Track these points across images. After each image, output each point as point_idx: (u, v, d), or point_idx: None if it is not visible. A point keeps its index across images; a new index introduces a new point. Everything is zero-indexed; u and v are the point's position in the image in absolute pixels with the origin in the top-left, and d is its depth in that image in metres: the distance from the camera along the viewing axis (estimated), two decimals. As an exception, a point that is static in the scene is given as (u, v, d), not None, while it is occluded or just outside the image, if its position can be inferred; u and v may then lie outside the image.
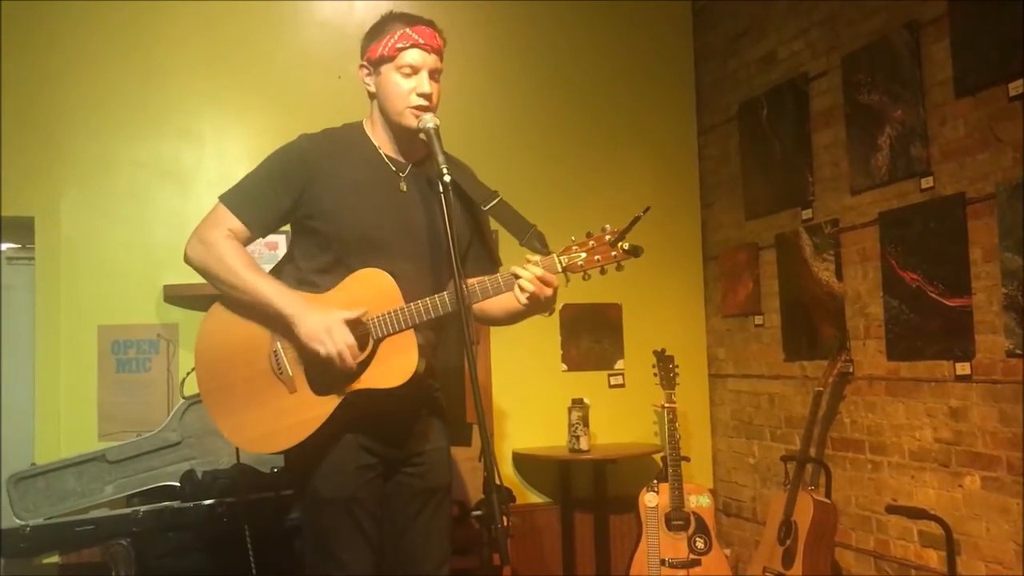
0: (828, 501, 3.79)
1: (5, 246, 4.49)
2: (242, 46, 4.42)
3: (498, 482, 2.02)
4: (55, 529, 3.53)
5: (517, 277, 2.17)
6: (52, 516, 3.62)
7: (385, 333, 2.21)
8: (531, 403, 4.63)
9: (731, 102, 4.75)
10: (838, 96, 3.95)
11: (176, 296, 4.01)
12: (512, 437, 4.61)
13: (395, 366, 2.21)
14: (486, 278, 2.24)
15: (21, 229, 4.20)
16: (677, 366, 4.27)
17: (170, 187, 4.28)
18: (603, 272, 2.20)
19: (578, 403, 4.40)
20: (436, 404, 2.47)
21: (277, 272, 2.37)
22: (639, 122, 4.96)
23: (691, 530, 4.08)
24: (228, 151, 4.34)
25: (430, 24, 2.33)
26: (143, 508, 3.51)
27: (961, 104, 3.32)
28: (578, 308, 4.73)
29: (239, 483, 3.49)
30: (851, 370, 3.86)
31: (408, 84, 2.28)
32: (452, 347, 2.62)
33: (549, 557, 4.56)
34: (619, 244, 2.16)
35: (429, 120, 2.26)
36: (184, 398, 3.82)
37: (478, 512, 3.81)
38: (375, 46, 2.31)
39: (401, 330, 2.21)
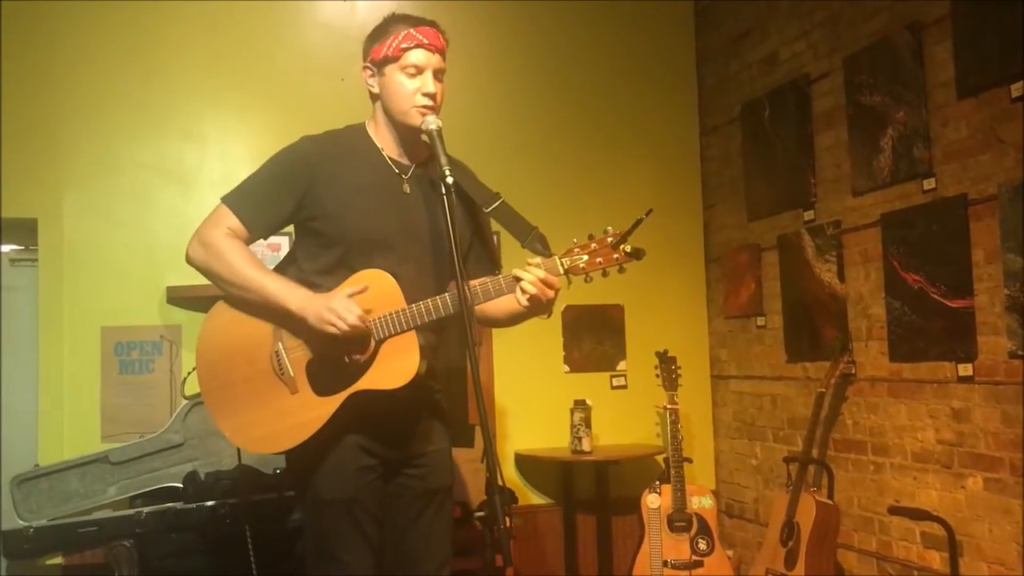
0: (830, 502, 3.78)
1: (8, 248, 4.49)
2: (244, 47, 4.42)
3: (500, 483, 2.02)
4: (58, 530, 3.54)
5: (519, 279, 2.17)
6: (55, 517, 3.63)
7: (387, 334, 2.22)
8: (533, 404, 4.63)
9: (733, 103, 4.75)
10: (840, 97, 3.95)
11: (179, 297, 4.02)
12: (514, 438, 4.61)
13: (396, 367, 2.21)
14: (488, 279, 2.24)
15: (24, 231, 4.21)
16: (679, 367, 4.27)
17: (173, 188, 4.29)
18: (605, 274, 2.20)
19: (580, 404, 4.40)
20: (437, 406, 2.47)
21: (280, 272, 2.37)
22: (641, 123, 4.96)
23: (693, 531, 4.07)
24: (231, 152, 4.35)
25: (433, 25, 2.34)
26: (146, 509, 3.51)
27: (963, 105, 3.32)
28: (580, 309, 4.73)
29: (241, 484, 3.49)
30: (853, 371, 3.86)
31: (413, 84, 2.29)
32: (454, 348, 2.62)
33: (551, 558, 4.56)
34: (621, 246, 2.16)
35: (432, 122, 2.27)
36: (185, 398, 3.83)
37: (480, 513, 3.81)
38: (379, 47, 2.32)
39: (403, 331, 2.21)
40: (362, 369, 2.22)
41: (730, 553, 4.43)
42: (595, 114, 4.88)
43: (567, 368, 4.74)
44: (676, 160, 5.02)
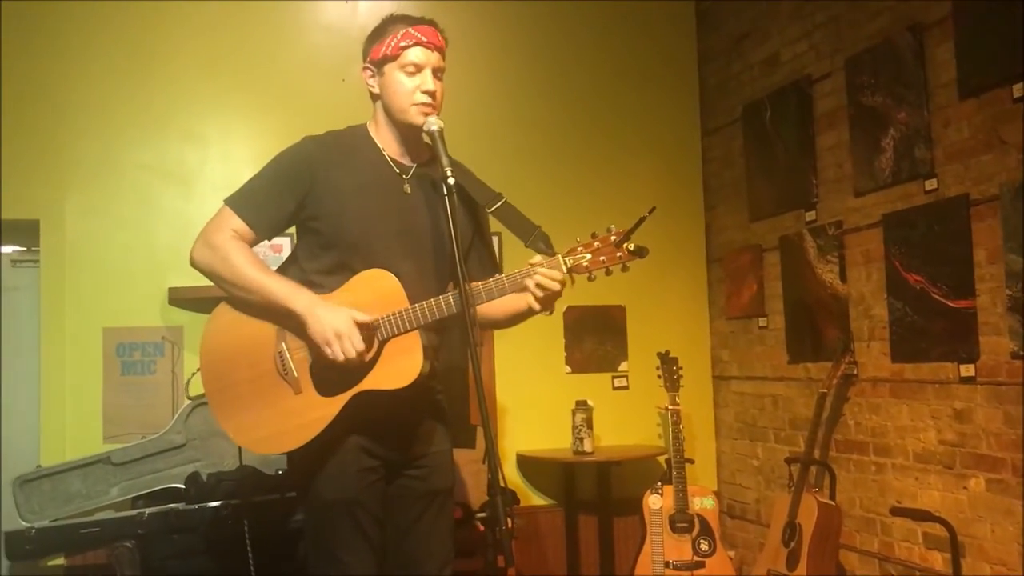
0: (832, 503, 3.78)
1: (10, 249, 4.50)
2: (246, 49, 4.43)
3: (502, 484, 2.02)
4: (60, 531, 3.54)
5: (534, 278, 2.16)
6: (57, 518, 3.63)
7: (390, 334, 2.22)
8: (535, 405, 4.63)
9: (735, 104, 4.75)
10: (842, 98, 3.95)
11: (181, 298, 4.02)
12: (516, 439, 4.61)
13: (400, 367, 2.21)
14: (491, 280, 2.24)
15: (26, 232, 4.21)
16: (681, 368, 4.27)
17: (174, 189, 4.29)
18: (608, 273, 2.19)
19: (582, 405, 4.40)
20: (438, 407, 2.47)
21: (281, 273, 2.38)
22: (643, 124, 4.96)
23: (695, 532, 4.07)
24: (232, 153, 4.35)
25: (432, 23, 2.35)
26: (148, 510, 3.51)
27: (965, 106, 3.32)
28: (582, 310, 4.73)
29: (243, 486, 3.49)
30: (855, 372, 3.86)
31: (412, 82, 2.29)
32: (456, 349, 2.62)
33: (553, 559, 4.56)
34: (624, 245, 2.15)
35: (433, 122, 2.27)
36: (190, 398, 3.83)
37: (482, 514, 3.81)
38: (378, 46, 2.32)
39: (406, 331, 2.22)
40: (366, 369, 2.22)
41: (732, 554, 4.43)
42: (597, 115, 4.88)
43: (569, 369, 4.74)
44: (678, 161, 5.02)
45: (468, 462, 3.87)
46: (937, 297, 3.41)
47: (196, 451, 3.80)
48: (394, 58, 2.29)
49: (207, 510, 3.49)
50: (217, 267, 2.28)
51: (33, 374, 4.14)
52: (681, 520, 4.07)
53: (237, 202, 2.33)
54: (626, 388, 4.80)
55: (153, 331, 4.19)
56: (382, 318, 2.22)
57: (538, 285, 2.16)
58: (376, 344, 2.22)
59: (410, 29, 2.29)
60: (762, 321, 4.53)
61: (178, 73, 4.33)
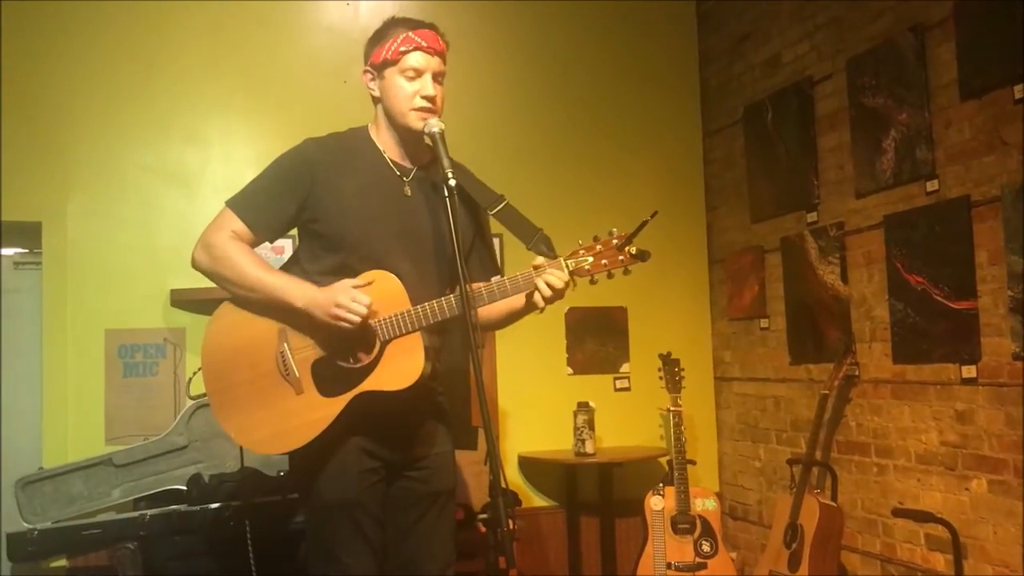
0: (834, 504, 3.78)
1: (12, 251, 4.50)
2: (247, 50, 4.43)
3: (504, 486, 2.03)
4: (62, 533, 3.54)
5: (544, 278, 2.17)
6: (59, 520, 3.63)
7: (392, 335, 2.22)
8: (536, 406, 4.63)
9: (736, 105, 4.75)
10: (843, 99, 3.94)
11: (183, 300, 4.02)
12: (517, 440, 4.61)
13: (401, 368, 2.21)
14: (492, 282, 2.24)
15: (28, 234, 4.22)
16: (683, 369, 4.27)
17: (176, 191, 4.29)
18: (610, 276, 2.20)
19: (583, 406, 4.40)
20: (439, 408, 2.47)
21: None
22: (644, 125, 4.96)
23: (697, 533, 4.07)
24: (234, 155, 4.36)
25: (432, 27, 2.35)
26: (150, 512, 3.51)
27: (966, 107, 3.32)
28: (583, 311, 4.73)
29: (245, 487, 3.49)
30: (857, 373, 3.86)
31: (412, 87, 2.30)
32: (457, 350, 2.62)
33: (555, 560, 4.56)
34: (626, 248, 2.16)
35: (434, 124, 2.28)
36: (191, 398, 3.83)
37: (483, 515, 3.81)
38: (378, 50, 2.33)
39: (408, 332, 2.22)
40: (367, 370, 2.22)
41: (734, 555, 4.43)
42: (598, 116, 4.88)
43: (570, 370, 4.74)
44: (679, 162, 5.02)
45: (470, 463, 3.87)
46: (938, 298, 3.41)
47: (198, 453, 3.81)
48: (394, 63, 2.30)
49: (209, 511, 3.49)
50: (217, 267, 2.29)
51: (35, 376, 4.15)
52: (683, 521, 4.07)
53: (238, 204, 2.34)
54: (628, 389, 4.80)
55: (155, 333, 4.19)
56: (384, 319, 2.22)
57: (547, 284, 2.17)
58: (378, 345, 2.22)
59: (410, 33, 2.30)
60: (764, 322, 4.53)
61: (180, 75, 4.33)
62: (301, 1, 4.52)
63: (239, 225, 2.31)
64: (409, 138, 2.37)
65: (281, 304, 2.25)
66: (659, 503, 4.09)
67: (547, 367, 4.69)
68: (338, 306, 2.17)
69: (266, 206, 2.33)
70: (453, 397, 2.50)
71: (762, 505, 4.57)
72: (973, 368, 3.27)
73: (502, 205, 2.33)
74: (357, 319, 2.17)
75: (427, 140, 2.33)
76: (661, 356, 4.32)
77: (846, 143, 3.93)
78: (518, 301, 2.26)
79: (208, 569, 3.46)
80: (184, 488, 3.67)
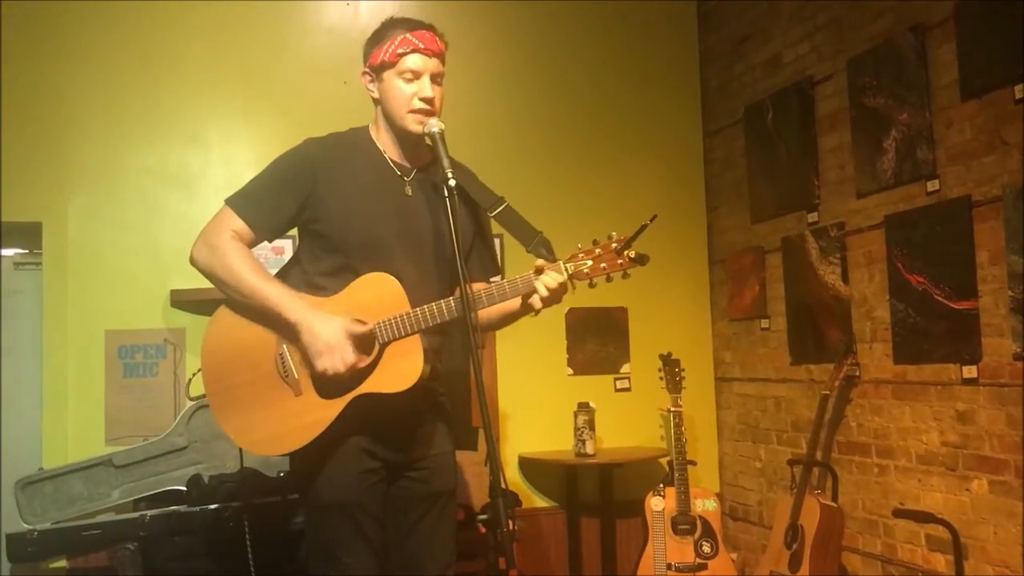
0: (835, 505, 3.78)
1: (12, 251, 4.50)
2: (248, 51, 4.43)
3: (504, 486, 2.02)
4: (62, 533, 3.54)
5: (543, 279, 2.16)
6: (59, 520, 3.63)
7: (390, 338, 2.22)
8: (537, 407, 4.62)
9: (736, 105, 4.75)
10: (844, 99, 3.94)
11: (183, 301, 4.02)
12: (518, 441, 4.60)
13: (400, 371, 2.21)
14: (492, 285, 2.24)
15: (28, 234, 4.22)
16: (683, 370, 4.27)
17: (177, 192, 4.29)
18: (609, 280, 2.20)
19: (584, 407, 4.40)
20: (440, 409, 2.47)
21: (284, 275, 2.38)
22: (644, 125, 4.96)
23: (697, 534, 4.07)
24: (235, 156, 4.35)
25: (431, 28, 2.34)
26: (150, 512, 3.51)
27: (967, 107, 3.31)
28: (584, 312, 4.73)
29: (245, 488, 3.49)
30: (857, 373, 3.85)
31: (410, 89, 2.29)
32: (458, 351, 2.62)
33: (555, 561, 4.56)
34: (625, 252, 2.16)
35: (434, 125, 2.27)
36: (191, 399, 3.83)
37: (484, 516, 3.81)
38: (376, 52, 2.32)
39: (406, 335, 2.22)
40: (366, 372, 2.22)
41: (734, 556, 4.42)
42: (598, 117, 4.88)
43: (571, 371, 4.74)
44: (679, 162, 5.01)
45: (470, 464, 3.87)
46: (939, 298, 3.41)
47: (198, 453, 3.80)
48: (392, 65, 2.29)
49: (209, 512, 3.49)
50: (215, 268, 2.29)
51: (35, 376, 4.15)
52: (683, 522, 4.07)
53: (238, 203, 2.33)
54: (628, 390, 4.80)
55: (155, 333, 4.19)
56: (382, 322, 2.22)
57: (545, 287, 2.17)
58: (376, 347, 2.22)
59: (408, 35, 2.29)
60: (764, 323, 4.52)
61: (181, 76, 4.33)
62: (301, 2, 4.52)
63: (239, 224, 2.31)
64: (409, 139, 2.36)
65: (274, 315, 2.24)
66: (659, 504, 4.09)
67: (547, 367, 4.69)
68: (328, 348, 2.17)
69: (266, 206, 2.33)
70: (454, 398, 2.51)
71: (763, 506, 4.57)
72: (974, 368, 3.27)
73: (502, 207, 2.33)
74: (331, 373, 2.18)
75: (427, 141, 2.33)
76: (661, 356, 4.32)
77: (847, 143, 3.93)
78: (514, 303, 2.26)
79: (208, 570, 3.46)
80: (184, 489, 3.66)
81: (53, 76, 4.19)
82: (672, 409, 4.19)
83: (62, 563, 3.87)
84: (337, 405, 2.23)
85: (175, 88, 4.32)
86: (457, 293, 2.20)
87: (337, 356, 2.17)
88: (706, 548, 4.06)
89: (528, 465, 4.62)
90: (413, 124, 2.29)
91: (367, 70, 2.36)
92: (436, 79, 2.32)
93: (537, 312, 2.24)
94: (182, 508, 3.53)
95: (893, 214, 3.66)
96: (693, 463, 4.21)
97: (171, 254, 4.14)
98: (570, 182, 4.78)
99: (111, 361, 4.13)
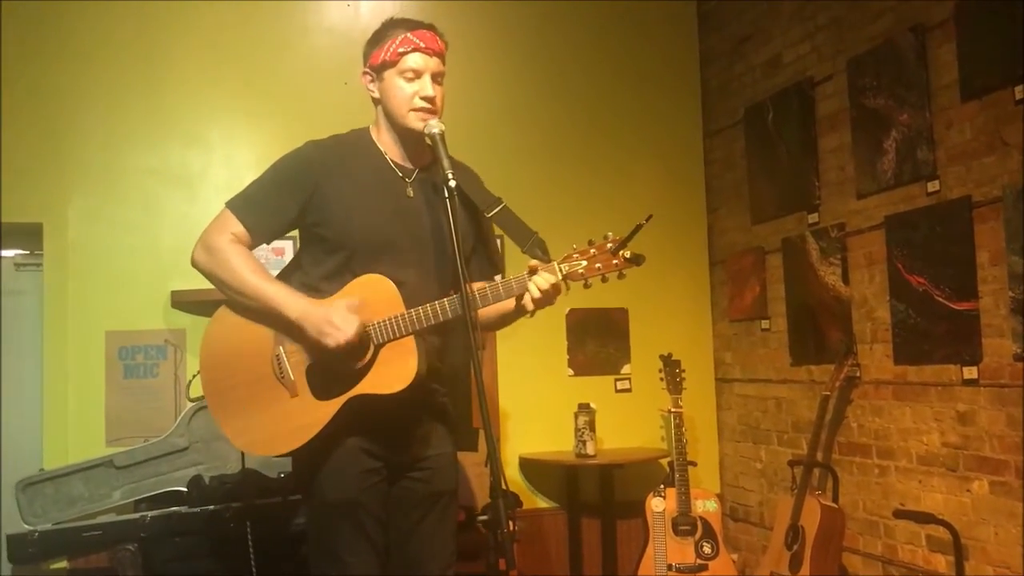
0: (835, 506, 3.77)
1: (13, 252, 4.51)
2: (249, 52, 4.43)
3: (504, 487, 2.02)
4: (63, 534, 3.55)
5: (535, 280, 2.16)
6: (60, 521, 3.64)
7: (386, 339, 2.22)
8: (537, 408, 4.62)
9: (737, 106, 4.75)
10: (844, 100, 3.94)
11: (184, 302, 4.02)
12: (518, 442, 4.60)
13: (395, 372, 2.21)
14: (487, 284, 2.24)
15: (29, 235, 4.22)
16: (684, 370, 4.27)
17: (178, 193, 4.30)
18: (604, 280, 2.19)
19: (584, 408, 4.40)
20: (442, 409, 2.47)
21: (285, 278, 2.39)
22: (644, 126, 4.96)
23: (698, 535, 4.07)
24: (235, 157, 4.36)
25: (431, 28, 2.34)
26: (150, 513, 3.52)
27: (967, 107, 3.31)
28: (584, 313, 4.73)
29: (245, 488, 3.49)
30: (858, 374, 3.85)
31: (411, 88, 2.29)
32: (459, 352, 2.62)
33: (556, 562, 4.56)
34: (621, 252, 2.15)
35: (435, 126, 2.27)
36: (191, 400, 3.83)
37: (484, 517, 3.81)
38: (377, 52, 2.33)
39: (401, 336, 2.22)
40: (361, 373, 2.22)
41: (735, 557, 4.42)
42: (598, 117, 4.88)
43: (571, 371, 4.74)
44: (680, 163, 5.01)
45: (470, 465, 3.87)
46: (940, 299, 3.40)
47: (199, 454, 3.81)
48: (393, 64, 2.30)
49: (209, 513, 3.49)
50: (216, 270, 2.29)
51: (36, 377, 4.15)
52: (684, 523, 4.07)
53: (238, 205, 2.34)
54: (629, 391, 4.80)
55: (156, 334, 4.19)
56: (378, 323, 2.22)
57: (537, 287, 2.16)
58: (372, 348, 2.22)
59: (409, 34, 2.29)
60: (765, 323, 4.52)
61: (181, 77, 4.34)
62: (302, 2, 4.53)
63: (238, 227, 2.31)
64: (410, 139, 2.36)
65: (275, 313, 2.25)
66: (660, 504, 4.09)
67: (548, 368, 4.69)
68: (329, 323, 2.18)
69: (267, 209, 2.33)
70: (454, 398, 2.50)
71: (763, 506, 4.57)
72: (974, 369, 3.27)
73: (499, 208, 2.33)
74: (343, 340, 2.17)
75: (428, 141, 2.33)
76: (662, 357, 4.32)
77: (847, 144, 3.93)
78: (509, 303, 2.26)
79: (208, 570, 3.46)
80: (185, 490, 3.67)
81: (54, 77, 4.20)
82: (673, 410, 4.19)
83: (63, 564, 3.87)
84: (332, 406, 2.23)
85: (176, 89, 4.33)
86: (454, 294, 2.20)
87: (342, 329, 2.17)
88: (707, 549, 4.06)
89: (529, 466, 4.62)
90: (415, 122, 2.29)
91: (367, 70, 2.36)
92: (437, 78, 2.32)
93: (532, 313, 2.23)
94: (183, 509, 3.54)
95: (893, 215, 3.65)
96: (694, 464, 4.22)
97: (172, 255, 4.14)
98: (570, 183, 4.78)
99: (112, 362, 4.13)
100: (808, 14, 4.20)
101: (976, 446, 3.28)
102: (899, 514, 3.53)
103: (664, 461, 4.43)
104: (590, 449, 4.35)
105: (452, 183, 2.17)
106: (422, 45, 2.29)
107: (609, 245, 2.16)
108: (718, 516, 4.14)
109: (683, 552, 4.04)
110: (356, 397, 2.22)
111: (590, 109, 4.87)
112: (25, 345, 4.33)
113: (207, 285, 2.38)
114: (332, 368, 2.23)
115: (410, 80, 2.29)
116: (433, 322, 2.21)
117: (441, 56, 2.34)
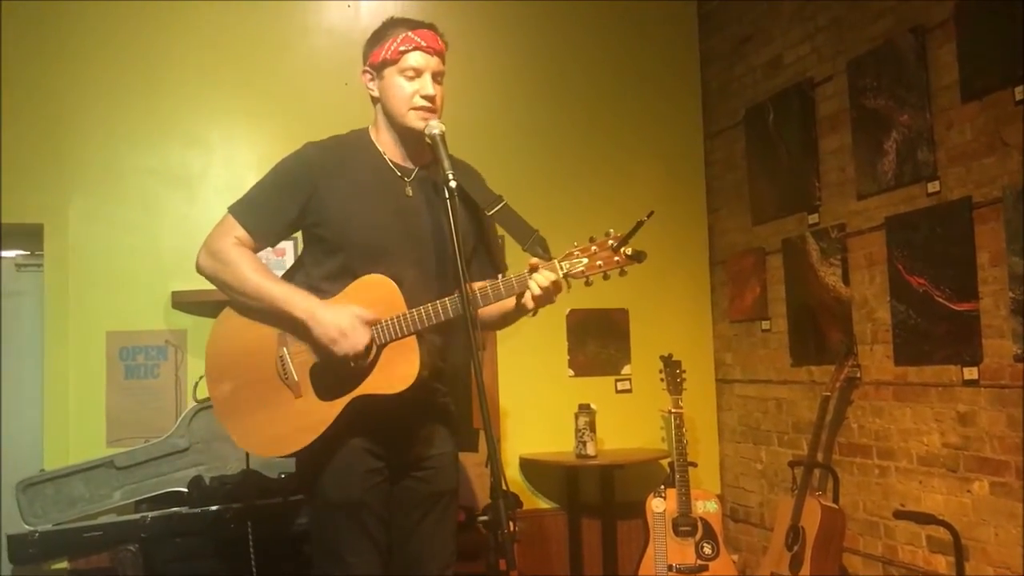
0: (836, 506, 3.78)
1: (14, 253, 4.51)
2: (249, 53, 4.44)
3: (505, 488, 2.02)
4: (64, 535, 3.54)
5: (535, 279, 2.16)
6: (61, 522, 3.64)
7: (387, 339, 2.22)
8: (538, 408, 4.62)
9: (737, 107, 4.75)
10: (844, 101, 3.94)
11: (184, 302, 4.02)
12: (519, 442, 4.60)
13: (397, 372, 2.21)
14: (487, 283, 2.24)
15: (30, 236, 4.22)
16: (684, 371, 4.27)
17: (178, 194, 4.30)
18: (606, 277, 2.19)
19: (585, 408, 4.40)
20: (444, 409, 2.47)
21: (289, 278, 2.39)
22: (644, 127, 4.96)
23: (698, 536, 4.07)
24: (236, 158, 4.36)
25: (432, 27, 2.35)
26: (151, 514, 3.52)
27: (967, 108, 3.31)
28: (585, 313, 4.73)
29: (246, 489, 3.49)
30: (858, 375, 3.85)
31: (411, 87, 2.30)
32: (460, 352, 2.62)
33: (556, 562, 4.56)
34: (622, 250, 2.15)
35: (435, 126, 2.27)
36: (197, 401, 3.84)
37: (485, 517, 3.81)
38: (377, 51, 2.33)
39: (403, 336, 2.22)
40: (364, 374, 2.23)
41: (735, 557, 4.42)
42: (598, 118, 4.88)
43: (571, 372, 4.74)
44: (680, 164, 5.01)
45: (471, 465, 3.87)
46: (940, 300, 3.40)
47: (199, 455, 3.81)
48: (393, 62, 2.30)
49: (210, 513, 3.49)
50: (221, 274, 2.30)
51: (36, 378, 4.15)
52: (684, 523, 4.07)
53: (239, 209, 2.35)
54: (629, 391, 4.80)
55: (156, 335, 4.20)
56: (380, 323, 2.22)
57: (537, 285, 2.16)
58: (374, 349, 2.22)
59: (409, 33, 2.30)
60: (765, 324, 4.52)
61: (181, 77, 4.34)
62: (302, 2, 4.53)
63: (241, 231, 2.32)
64: (409, 138, 2.36)
65: (282, 314, 2.25)
66: (660, 505, 4.09)
67: (548, 369, 4.69)
68: (341, 333, 2.18)
69: (268, 212, 2.34)
70: (455, 398, 2.51)
71: (764, 507, 4.57)
72: (975, 370, 3.27)
73: (499, 206, 2.33)
74: (353, 352, 2.18)
75: (428, 141, 2.33)
76: (662, 358, 4.32)
77: (847, 145, 3.93)
78: (510, 302, 2.26)
79: (209, 571, 3.46)
80: (185, 490, 3.67)
81: (54, 77, 4.20)
82: (673, 410, 4.19)
83: (63, 564, 3.87)
84: (335, 407, 2.23)
85: (176, 89, 4.33)
86: (454, 293, 2.20)
87: (352, 339, 2.17)
88: (707, 549, 4.06)
89: (529, 466, 4.62)
90: (415, 120, 2.29)
91: (367, 68, 2.37)
92: (437, 78, 2.33)
93: (533, 312, 2.23)
94: (183, 509, 3.53)
95: (894, 216, 3.65)
96: (694, 464, 4.22)
97: (172, 255, 4.15)
98: (570, 183, 4.78)
99: (112, 362, 4.13)
100: (808, 15, 4.20)
101: (976, 447, 3.28)
102: (899, 515, 3.53)
103: (664, 462, 4.44)
104: (590, 450, 4.35)
105: (452, 183, 2.17)
106: (423, 44, 2.29)
107: (610, 242, 2.16)
108: (718, 517, 4.14)
109: (683, 553, 4.04)
110: (359, 397, 2.23)
111: (590, 109, 4.87)
112: (26, 346, 4.34)
113: (208, 286, 2.38)
114: (335, 368, 2.23)
115: (410, 79, 2.30)
116: (434, 321, 2.21)
117: (441, 56, 2.34)
